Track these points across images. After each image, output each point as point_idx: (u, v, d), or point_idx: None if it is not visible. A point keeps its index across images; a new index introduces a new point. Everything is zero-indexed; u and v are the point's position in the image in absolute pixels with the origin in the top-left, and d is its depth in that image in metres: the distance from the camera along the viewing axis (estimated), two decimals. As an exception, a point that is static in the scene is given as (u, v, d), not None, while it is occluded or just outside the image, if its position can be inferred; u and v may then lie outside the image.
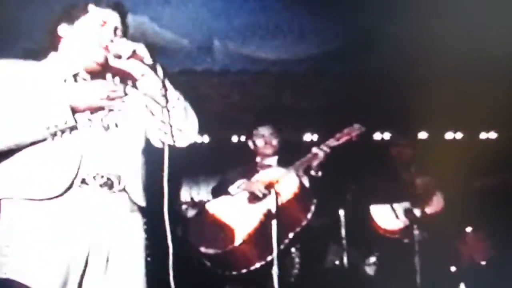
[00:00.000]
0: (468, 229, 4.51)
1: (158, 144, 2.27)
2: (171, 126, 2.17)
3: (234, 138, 4.85)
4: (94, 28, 2.22)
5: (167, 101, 2.16)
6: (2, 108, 2.05)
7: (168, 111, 2.17)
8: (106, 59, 2.20)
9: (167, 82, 2.18)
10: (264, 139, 3.82)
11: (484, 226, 4.45)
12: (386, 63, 3.97)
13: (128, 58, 2.14)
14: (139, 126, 2.30)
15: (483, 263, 4.43)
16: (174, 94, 2.22)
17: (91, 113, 2.18)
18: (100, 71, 2.25)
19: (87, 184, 2.15)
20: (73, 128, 2.11)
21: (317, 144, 3.70)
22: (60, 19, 2.28)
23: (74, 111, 2.10)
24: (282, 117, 4.09)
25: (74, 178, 2.11)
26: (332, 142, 3.64)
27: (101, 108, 2.20)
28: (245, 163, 3.85)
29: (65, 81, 2.18)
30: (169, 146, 2.16)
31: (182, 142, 2.30)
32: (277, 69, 3.94)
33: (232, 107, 4.35)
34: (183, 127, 2.26)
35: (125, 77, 2.27)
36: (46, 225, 2.11)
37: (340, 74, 4.01)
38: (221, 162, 4.10)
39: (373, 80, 4.13)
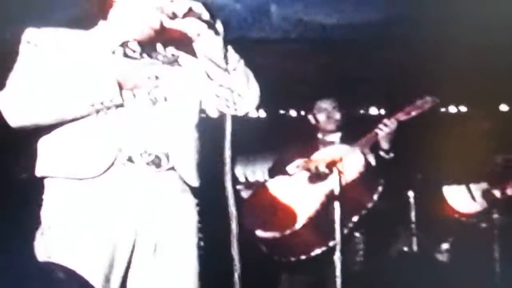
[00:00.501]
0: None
1: (215, 114, 2.23)
2: (231, 90, 2.12)
3: (293, 113, 4.88)
4: None
5: (227, 63, 2.10)
6: (46, 80, 2.07)
7: (228, 73, 2.11)
8: (161, 24, 2.17)
9: (227, 43, 2.11)
10: (326, 113, 3.77)
11: None
12: (458, 29, 3.83)
13: (184, 17, 2.10)
14: (192, 97, 2.26)
15: None
16: (234, 56, 2.17)
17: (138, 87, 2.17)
18: (152, 40, 2.23)
19: (133, 162, 2.13)
20: (119, 106, 2.11)
21: (385, 118, 3.61)
22: None
23: (121, 87, 2.10)
24: (345, 89, 4.04)
25: (116, 156, 2.11)
26: (401, 116, 3.54)
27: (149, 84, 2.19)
28: (305, 140, 3.82)
29: (113, 52, 2.18)
30: (227, 116, 2.08)
31: (243, 109, 2.24)
32: (340, 36, 3.86)
33: (291, 78, 4.30)
34: (244, 92, 2.21)
35: (180, 43, 2.24)
36: (90, 206, 2.12)
37: (409, 41, 3.89)
38: (278, 139, 4.10)
39: (445, 47, 3.99)
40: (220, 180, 2.07)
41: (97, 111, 2.09)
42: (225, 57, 2.09)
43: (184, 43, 2.18)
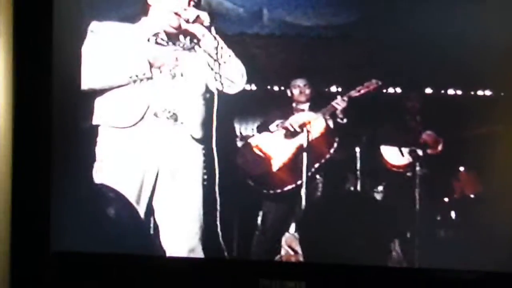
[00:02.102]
0: (461, 168, 4.41)
1: (213, 91, 2.37)
2: (223, 77, 2.22)
3: (276, 88, 4.38)
4: None
5: (221, 57, 2.26)
6: (101, 59, 2.28)
7: (220, 65, 2.25)
8: (179, 25, 2.34)
9: (221, 43, 2.22)
10: (299, 89, 3.81)
11: (475, 166, 4.33)
12: (402, 31, 3.84)
13: (193, 22, 2.25)
14: (200, 75, 2.39)
15: (472, 196, 4.34)
16: (227, 52, 2.31)
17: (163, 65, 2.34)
18: (175, 32, 2.41)
19: (157, 117, 2.31)
20: (149, 78, 2.29)
21: (341, 94, 3.73)
22: None
23: (151, 65, 2.27)
24: (314, 72, 3.91)
25: (145, 113, 2.29)
26: (353, 93, 3.67)
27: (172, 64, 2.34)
28: (283, 107, 3.85)
29: (148, 40, 2.33)
30: (221, 92, 2.24)
31: (232, 90, 2.43)
32: (312, 34, 3.89)
33: (276, 63, 4.18)
34: (233, 78, 2.33)
35: (193, 37, 2.33)
36: (127, 146, 2.32)
37: (363, 40, 3.93)
38: (264, 106, 3.96)
39: (390, 45, 4.01)
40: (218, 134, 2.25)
41: (134, 81, 2.28)
42: (220, 53, 2.29)
43: (195, 36, 2.29)
